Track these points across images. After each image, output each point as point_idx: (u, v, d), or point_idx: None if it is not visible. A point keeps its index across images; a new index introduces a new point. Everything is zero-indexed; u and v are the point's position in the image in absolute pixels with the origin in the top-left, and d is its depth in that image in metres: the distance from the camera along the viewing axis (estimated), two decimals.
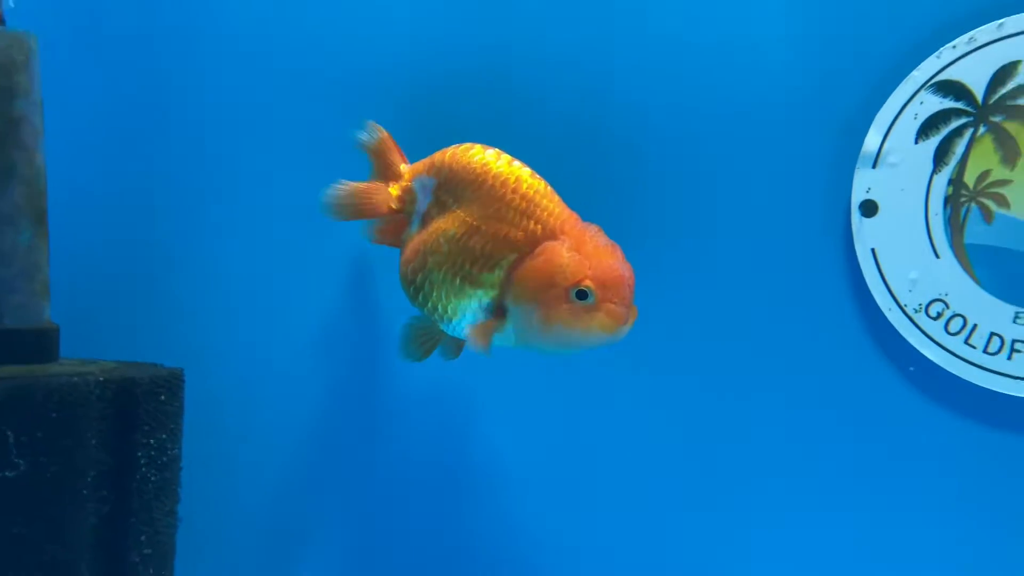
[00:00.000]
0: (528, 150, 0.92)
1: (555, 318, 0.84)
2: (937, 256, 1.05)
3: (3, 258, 0.84)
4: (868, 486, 1.07)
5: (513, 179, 0.89)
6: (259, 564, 1.07)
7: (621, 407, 1.07)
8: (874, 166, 1.05)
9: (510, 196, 0.88)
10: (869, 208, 1.06)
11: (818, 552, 1.07)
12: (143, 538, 0.83)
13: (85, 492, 0.78)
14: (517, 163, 0.91)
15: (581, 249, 0.85)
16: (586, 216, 0.89)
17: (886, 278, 1.06)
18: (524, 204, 0.88)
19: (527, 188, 0.89)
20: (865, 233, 1.06)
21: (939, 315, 1.06)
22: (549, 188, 0.89)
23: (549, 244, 0.86)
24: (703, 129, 1.06)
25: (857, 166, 1.05)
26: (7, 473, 0.74)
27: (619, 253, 0.85)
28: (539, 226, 0.87)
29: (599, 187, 1.05)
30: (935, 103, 1.04)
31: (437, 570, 1.07)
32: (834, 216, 1.06)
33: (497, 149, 0.91)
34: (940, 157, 1.05)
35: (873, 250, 1.06)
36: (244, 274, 1.05)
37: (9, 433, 0.74)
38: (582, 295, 0.83)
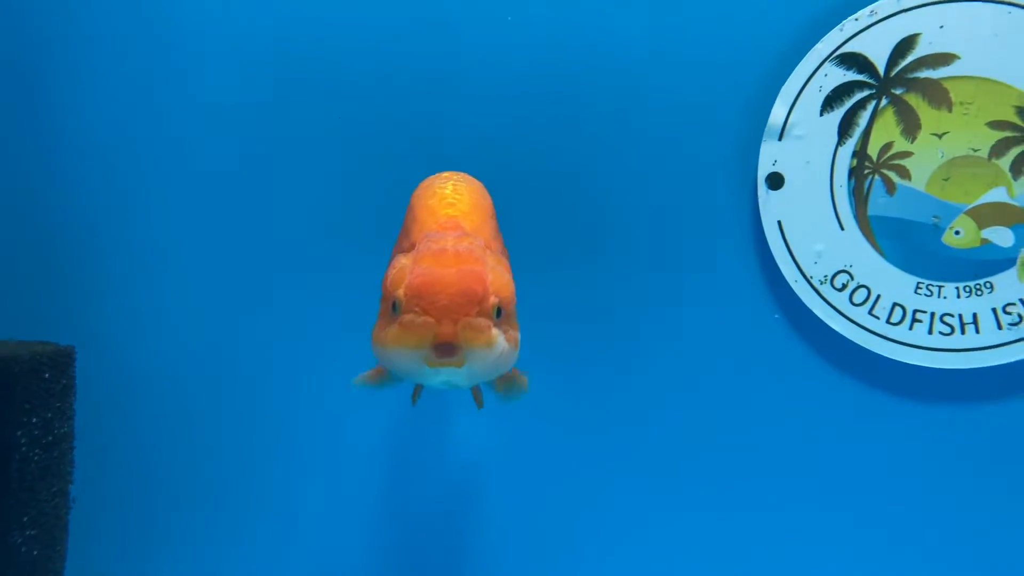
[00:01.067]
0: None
1: (375, 336, 0.73)
2: (842, 228, 1.06)
3: None
4: (777, 456, 1.08)
5: (431, 194, 0.79)
6: (165, 540, 1.05)
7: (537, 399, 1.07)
8: (780, 139, 1.06)
9: (418, 210, 0.79)
10: (775, 180, 1.06)
11: (731, 524, 1.08)
12: (26, 519, 0.81)
13: None
14: (455, 181, 0.81)
15: (416, 257, 0.72)
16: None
17: (792, 250, 1.06)
18: (422, 216, 0.78)
19: (434, 201, 0.78)
20: (771, 205, 1.06)
21: (844, 286, 1.06)
22: (466, 201, 0.78)
23: (397, 257, 0.76)
24: (613, 106, 1.05)
25: (763, 139, 1.05)
26: None
27: (448, 258, 0.70)
28: (412, 239, 0.76)
29: (514, 170, 1.05)
30: (839, 75, 1.05)
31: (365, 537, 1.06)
32: (741, 189, 1.07)
33: (463, 175, 0.82)
34: (844, 129, 1.06)
35: (779, 222, 1.06)
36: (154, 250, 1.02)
37: None
38: (395, 308, 0.71)
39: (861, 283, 1.06)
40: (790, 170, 1.06)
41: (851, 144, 1.06)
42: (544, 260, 1.03)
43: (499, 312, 0.70)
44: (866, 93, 1.05)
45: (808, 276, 1.07)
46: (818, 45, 1.05)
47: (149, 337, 1.04)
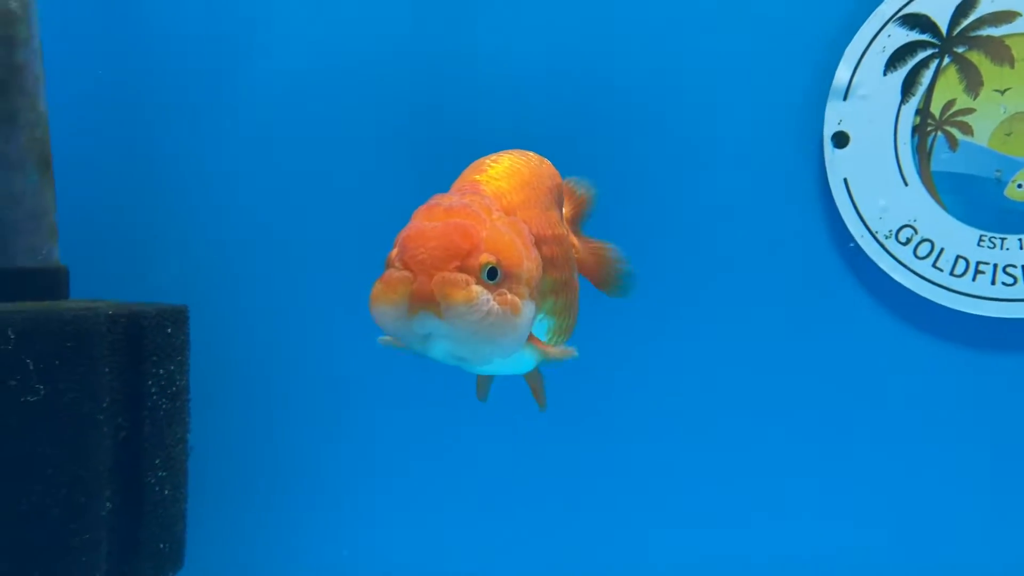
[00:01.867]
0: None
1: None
2: (906, 184, 1.10)
3: (11, 201, 0.89)
4: (843, 406, 1.12)
5: (474, 163, 0.77)
6: (264, 497, 1.12)
7: (624, 339, 1.12)
8: (844, 98, 1.10)
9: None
10: (841, 139, 1.10)
11: (793, 473, 1.13)
12: (157, 461, 0.89)
13: (101, 417, 0.83)
14: (508, 153, 0.79)
15: (413, 214, 0.69)
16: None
17: (857, 206, 1.11)
18: (454, 183, 0.75)
19: (470, 168, 0.76)
20: (837, 163, 1.10)
21: (908, 240, 1.10)
22: (501, 169, 0.75)
23: None
24: (683, 70, 1.10)
25: (828, 99, 1.10)
26: (29, 398, 0.79)
27: (438, 213, 0.66)
28: None
29: (580, 139, 1.10)
30: (902, 36, 1.08)
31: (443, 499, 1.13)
32: (807, 148, 1.11)
33: (523, 151, 0.80)
34: (907, 88, 1.09)
35: (845, 179, 1.10)
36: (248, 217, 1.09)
37: (28, 361, 0.79)
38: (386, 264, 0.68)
39: (925, 237, 1.10)
40: (855, 129, 1.10)
41: (914, 102, 1.09)
42: (618, 219, 1.08)
43: (494, 273, 0.65)
44: (929, 52, 1.09)
45: (873, 231, 1.11)
46: (881, 6, 1.08)
47: (244, 305, 1.11)
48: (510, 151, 0.78)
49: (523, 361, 0.75)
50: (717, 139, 1.11)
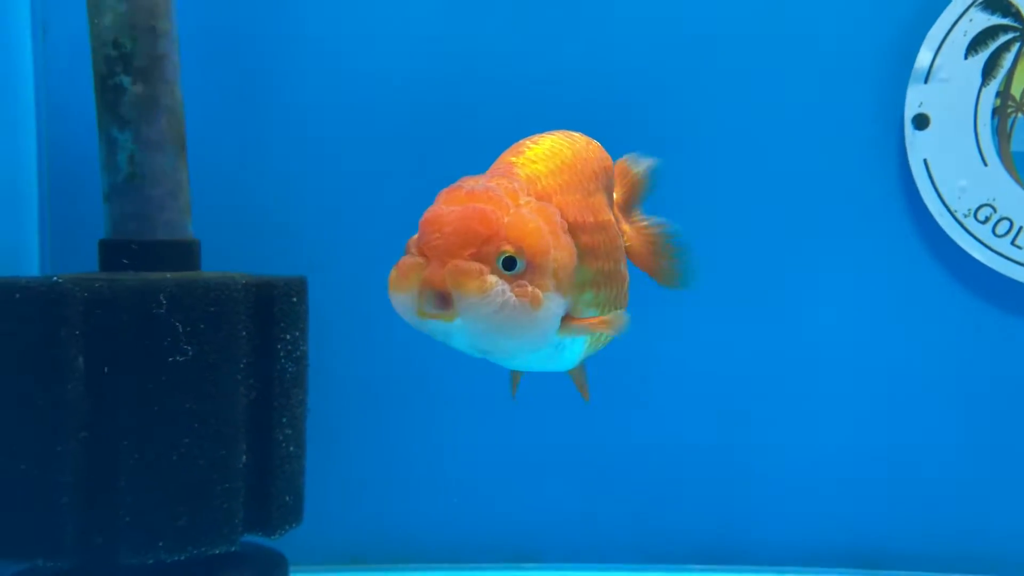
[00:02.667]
0: None
1: None
2: (985, 164, 1.14)
3: (154, 179, 0.97)
4: (922, 383, 1.17)
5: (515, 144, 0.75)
6: (371, 456, 1.19)
7: (703, 319, 1.17)
8: (926, 81, 1.14)
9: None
10: (921, 121, 1.14)
11: (869, 442, 1.17)
12: (284, 420, 0.96)
13: (239, 377, 0.91)
14: (552, 134, 0.76)
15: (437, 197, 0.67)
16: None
17: (937, 186, 1.15)
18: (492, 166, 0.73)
19: (509, 150, 0.73)
20: (917, 145, 1.14)
21: (987, 219, 1.14)
22: (541, 151, 0.72)
23: None
24: (765, 53, 1.15)
25: (910, 82, 1.14)
26: (178, 357, 0.87)
27: (458, 196, 0.64)
28: None
29: (662, 122, 1.15)
30: (983, 20, 1.12)
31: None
32: (888, 130, 1.15)
33: (571, 132, 0.78)
34: (988, 71, 1.13)
35: (925, 160, 1.14)
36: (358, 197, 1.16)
37: (177, 324, 0.87)
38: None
39: (1004, 215, 1.14)
40: (935, 111, 1.14)
41: (995, 85, 1.13)
42: (702, 195, 1.13)
43: (513, 262, 0.62)
44: (1010, 36, 1.12)
45: (952, 210, 1.15)
46: None
47: (345, 278, 1.18)
48: (555, 132, 0.75)
49: (565, 358, 0.72)
50: (800, 120, 1.15)
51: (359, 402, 1.15)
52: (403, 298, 0.61)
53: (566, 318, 0.66)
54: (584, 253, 0.68)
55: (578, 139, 0.75)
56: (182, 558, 0.90)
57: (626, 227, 0.82)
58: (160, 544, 0.88)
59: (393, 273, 0.62)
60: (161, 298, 0.87)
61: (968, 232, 1.15)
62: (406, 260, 0.62)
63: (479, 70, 1.13)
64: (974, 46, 1.13)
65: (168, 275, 0.92)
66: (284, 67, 1.12)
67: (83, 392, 0.87)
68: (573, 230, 0.68)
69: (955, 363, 1.16)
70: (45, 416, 0.86)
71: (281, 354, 0.96)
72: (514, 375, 0.82)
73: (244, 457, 0.92)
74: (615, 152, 0.83)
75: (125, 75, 0.95)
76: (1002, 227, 1.14)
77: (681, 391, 1.16)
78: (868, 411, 1.17)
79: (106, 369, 0.87)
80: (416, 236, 0.63)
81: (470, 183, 0.64)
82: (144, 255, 0.96)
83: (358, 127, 1.13)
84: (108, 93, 0.96)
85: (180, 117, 0.99)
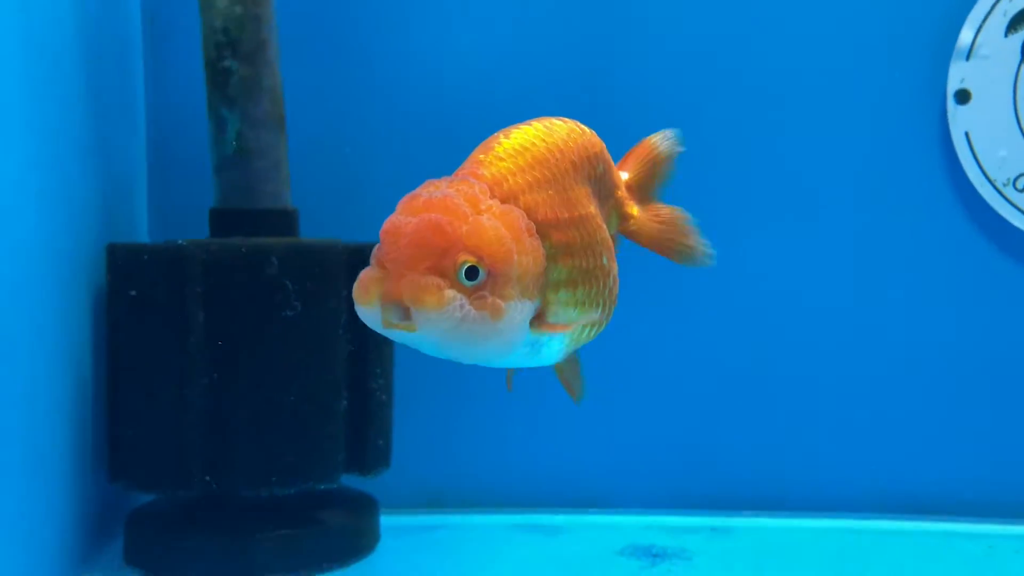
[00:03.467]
0: None
1: None
2: None
3: (258, 153, 1.06)
4: (960, 347, 1.24)
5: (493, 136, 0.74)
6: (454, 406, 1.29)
7: (751, 288, 1.26)
8: (967, 59, 1.21)
9: None
10: (963, 96, 1.22)
11: (918, 419, 1.25)
12: (378, 371, 1.06)
13: (340, 332, 1.01)
14: (536, 122, 0.74)
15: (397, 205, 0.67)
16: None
17: (978, 157, 1.22)
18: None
19: (483, 144, 0.72)
20: (959, 118, 1.22)
21: None
22: (513, 145, 0.71)
23: None
24: (815, 32, 1.22)
25: (952, 59, 1.21)
26: (288, 312, 0.97)
27: (415, 206, 0.63)
28: None
29: (717, 78, 1.23)
30: (1022, 1, 1.19)
31: None
32: (932, 105, 1.23)
33: (558, 119, 0.77)
34: None
35: (967, 133, 1.22)
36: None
37: (288, 282, 0.97)
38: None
39: None
40: (976, 86, 1.21)
41: None
42: (767, 159, 1.21)
43: (474, 272, 0.61)
44: None
45: (992, 179, 1.22)
46: None
47: None
48: (534, 120, 0.74)
49: (544, 356, 0.72)
50: (847, 96, 1.23)
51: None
52: (366, 310, 0.62)
53: (538, 319, 0.67)
54: (557, 252, 0.68)
55: (557, 129, 0.74)
56: (291, 492, 1.01)
57: (633, 210, 0.82)
58: (272, 479, 0.99)
59: (356, 285, 0.62)
60: (273, 259, 0.97)
61: (1007, 200, 1.22)
62: (367, 272, 0.62)
63: (568, 57, 1.22)
64: (1013, 25, 1.20)
65: (274, 240, 1.02)
66: (372, 48, 1.21)
67: (204, 344, 0.97)
68: (544, 229, 0.67)
69: (991, 323, 1.23)
70: (173, 365, 0.97)
71: None
72: (508, 370, 0.81)
73: (345, 403, 1.03)
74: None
75: (233, 59, 1.05)
76: None
77: (743, 346, 1.25)
78: (922, 367, 1.24)
79: (224, 323, 0.97)
80: (378, 246, 0.63)
81: (429, 190, 0.64)
82: (250, 222, 1.06)
83: (444, 101, 1.22)
84: (217, 76, 1.06)
85: (280, 97, 1.08)
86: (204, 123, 1.09)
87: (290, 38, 1.12)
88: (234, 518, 1.03)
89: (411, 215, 0.62)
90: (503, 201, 0.65)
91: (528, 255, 0.65)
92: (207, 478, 0.98)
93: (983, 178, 1.22)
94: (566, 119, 0.75)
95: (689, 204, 1.21)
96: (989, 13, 1.20)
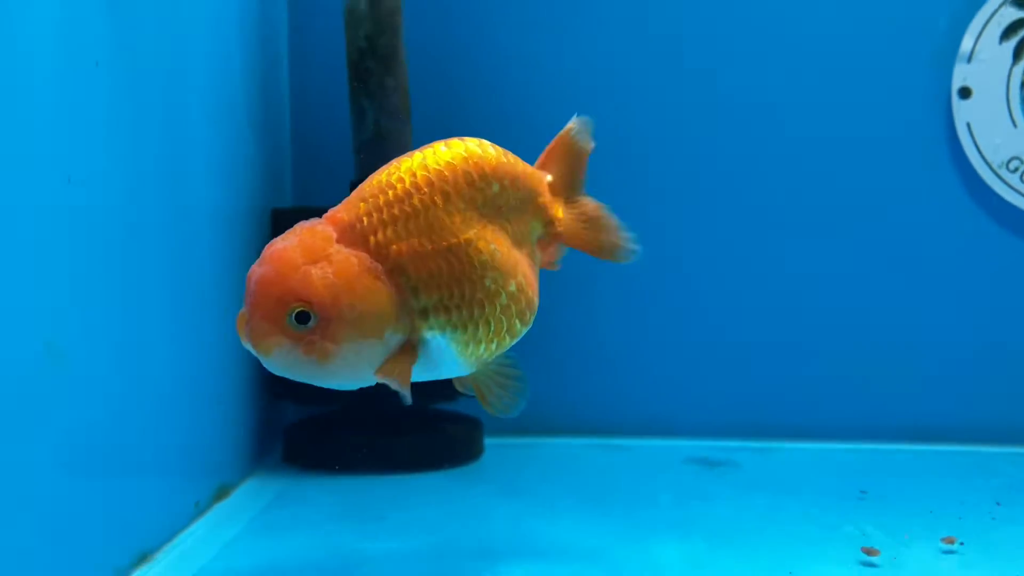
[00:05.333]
0: None
1: None
2: (1015, 126, 1.45)
3: (391, 139, 1.33)
4: (967, 292, 1.48)
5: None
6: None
7: (763, 272, 1.50)
8: (969, 61, 1.45)
9: None
10: (965, 92, 1.46)
11: (923, 360, 1.49)
12: None
13: None
14: (429, 150, 0.79)
15: None
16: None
17: (978, 144, 1.46)
18: None
19: (364, 183, 0.78)
20: (962, 111, 1.46)
21: (1016, 169, 1.45)
22: (383, 180, 0.75)
23: None
24: (842, 37, 1.47)
25: (956, 61, 1.45)
26: None
27: (265, 255, 0.71)
28: None
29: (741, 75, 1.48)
30: (1012, 14, 1.44)
31: None
32: (938, 100, 1.47)
33: (456, 143, 0.80)
34: (1018, 53, 1.44)
35: (968, 124, 1.46)
36: None
37: None
38: None
39: None
40: (976, 84, 1.45)
41: (1023, 64, 1.44)
42: (793, 148, 1.46)
43: (306, 318, 0.68)
44: None
45: (989, 162, 1.46)
46: None
47: None
48: (425, 147, 0.78)
49: (445, 371, 0.79)
50: (864, 93, 1.48)
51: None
52: (242, 340, 0.72)
53: (408, 349, 0.73)
54: (418, 284, 0.73)
55: (436, 157, 0.77)
56: (423, 406, 1.26)
57: (558, 213, 0.86)
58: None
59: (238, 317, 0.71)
60: None
61: (1001, 180, 1.46)
62: (241, 311, 0.71)
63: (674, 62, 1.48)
64: (1006, 34, 1.44)
65: None
66: (482, 51, 1.47)
67: None
68: (400, 265, 0.72)
69: (988, 281, 1.48)
70: None
71: None
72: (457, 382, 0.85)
73: None
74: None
75: (372, 61, 1.31)
76: None
77: (783, 305, 1.49)
78: (933, 318, 1.47)
79: None
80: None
81: (279, 242, 0.71)
82: None
83: (544, 96, 1.48)
84: (359, 75, 1.32)
85: (407, 92, 1.34)
86: (337, 113, 1.36)
87: (414, 44, 1.38)
88: (373, 426, 1.30)
89: (260, 264, 0.70)
90: (354, 243, 0.71)
91: (365, 297, 0.70)
92: (349, 393, 1.24)
93: (982, 161, 1.46)
94: (462, 140, 0.78)
95: (732, 187, 1.48)
96: (986, 24, 1.44)
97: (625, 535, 1.03)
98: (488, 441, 1.39)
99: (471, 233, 0.75)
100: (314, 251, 0.70)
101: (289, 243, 0.70)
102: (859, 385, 1.49)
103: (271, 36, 1.41)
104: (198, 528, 1.03)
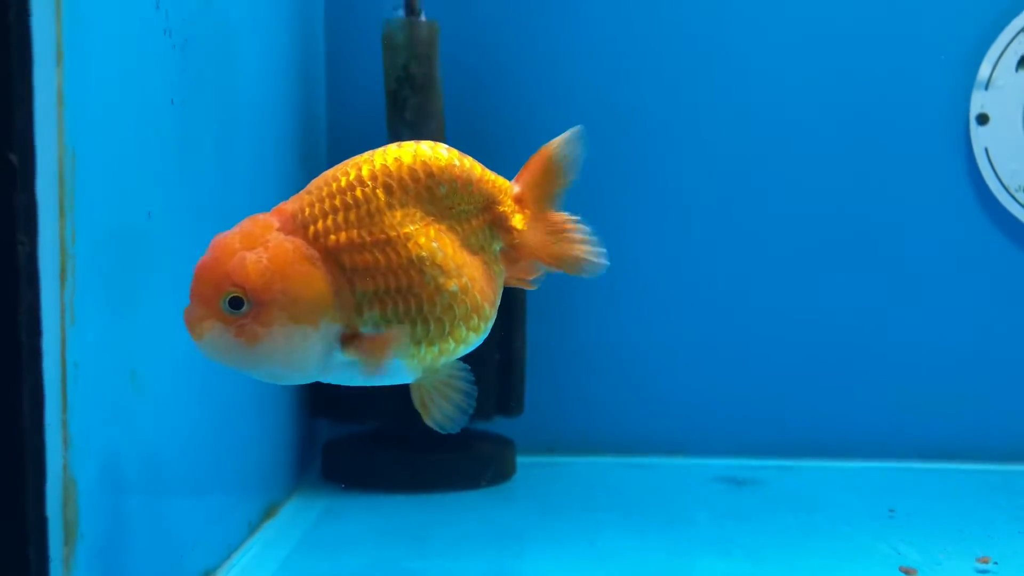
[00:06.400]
0: None
1: None
2: None
3: None
4: (975, 321, 1.52)
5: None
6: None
7: (780, 291, 1.54)
8: (986, 89, 1.49)
9: None
10: (983, 119, 1.50)
11: (938, 379, 1.53)
12: (517, 332, 1.35)
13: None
14: (384, 153, 0.77)
15: None
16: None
17: (995, 168, 1.50)
18: None
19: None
20: (980, 137, 1.50)
21: None
22: (328, 173, 0.76)
23: None
24: (869, 68, 1.51)
25: (974, 89, 1.49)
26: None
27: (209, 245, 0.71)
28: None
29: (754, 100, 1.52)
30: None
31: None
32: (957, 126, 1.51)
33: (407, 148, 0.78)
34: None
35: (986, 149, 1.50)
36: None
37: None
38: None
39: None
40: (994, 111, 1.49)
41: None
42: (816, 169, 1.50)
43: (239, 303, 0.69)
44: None
45: (1007, 186, 1.50)
46: (1014, 21, 1.48)
47: None
48: (387, 147, 0.77)
49: (392, 376, 0.76)
50: (885, 120, 1.52)
51: (554, 316, 1.54)
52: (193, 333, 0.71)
53: (353, 339, 0.72)
54: (354, 274, 0.72)
55: (384, 155, 0.76)
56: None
57: (517, 224, 0.81)
58: None
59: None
60: None
61: (1018, 203, 1.50)
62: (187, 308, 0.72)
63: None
64: (1022, 62, 1.48)
65: None
66: (515, 77, 1.51)
67: None
68: (337, 254, 0.72)
69: (1005, 299, 1.51)
70: None
71: (524, 303, 1.35)
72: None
73: (497, 356, 1.32)
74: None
75: (410, 90, 1.35)
76: None
77: (804, 328, 1.52)
78: (953, 337, 1.51)
79: None
80: None
81: (222, 234, 0.72)
82: None
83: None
84: (397, 103, 1.36)
85: (442, 120, 1.38)
86: (375, 141, 1.39)
87: (449, 70, 1.42)
88: (408, 446, 1.33)
89: (206, 253, 0.71)
90: (295, 231, 0.72)
91: (299, 282, 0.70)
92: (389, 413, 1.27)
93: (999, 185, 1.50)
94: (416, 143, 0.78)
95: (760, 212, 1.52)
96: (1003, 53, 1.48)
97: (667, 553, 1.06)
98: (520, 459, 1.42)
99: (411, 228, 0.74)
100: (252, 238, 0.71)
101: (231, 232, 0.72)
102: (879, 405, 1.53)
103: (310, 67, 1.45)
104: (252, 546, 1.06)
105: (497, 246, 0.81)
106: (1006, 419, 1.51)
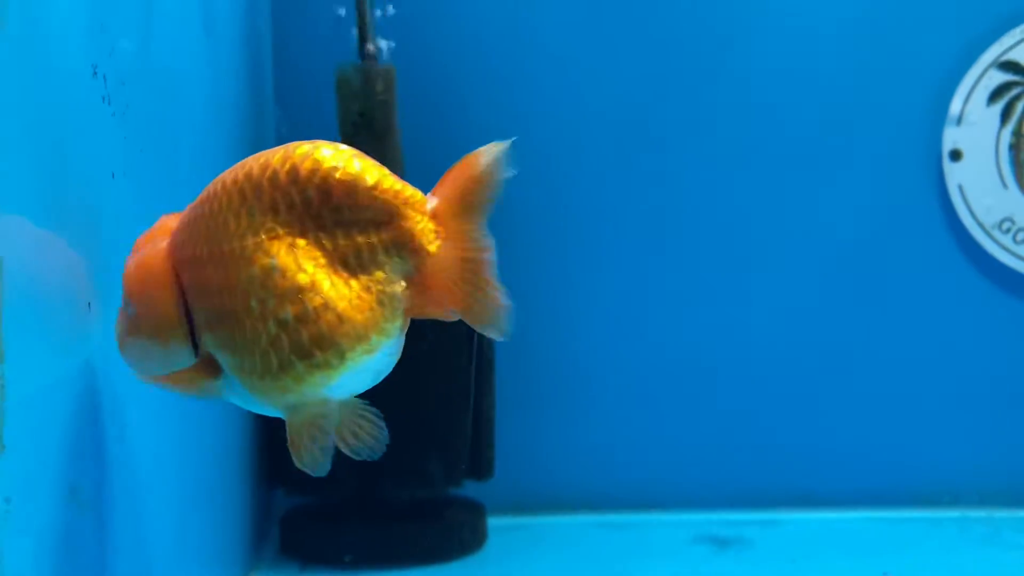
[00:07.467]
0: None
1: None
2: (1005, 187, 1.46)
3: None
4: (961, 349, 1.49)
5: None
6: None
7: (766, 314, 1.49)
8: (958, 124, 1.46)
9: None
10: (955, 155, 1.46)
11: (921, 424, 1.49)
12: (487, 391, 1.28)
13: (466, 361, 1.23)
14: (281, 155, 0.63)
15: None
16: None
17: (969, 205, 1.47)
18: None
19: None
20: (953, 173, 1.47)
21: (1008, 230, 1.46)
22: (225, 187, 0.63)
23: None
24: (840, 100, 1.47)
25: (946, 125, 1.46)
26: (421, 344, 1.18)
27: (138, 242, 0.66)
28: None
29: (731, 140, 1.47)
30: (999, 77, 1.45)
31: None
32: (930, 162, 1.48)
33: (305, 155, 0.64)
34: (1005, 116, 1.45)
35: (960, 185, 1.46)
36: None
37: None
38: None
39: (1021, 227, 1.46)
40: (966, 147, 1.46)
41: (1011, 126, 1.45)
42: (790, 203, 1.46)
43: (127, 305, 0.64)
44: (1020, 90, 1.45)
45: (981, 223, 1.47)
46: (983, 56, 1.45)
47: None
48: (286, 145, 0.64)
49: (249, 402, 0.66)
50: (860, 156, 1.48)
51: (528, 373, 1.47)
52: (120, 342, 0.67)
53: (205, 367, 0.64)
54: (192, 291, 0.63)
55: (275, 152, 0.63)
56: (426, 494, 1.21)
57: (430, 246, 0.64)
58: (414, 483, 1.20)
59: None
60: None
61: (994, 240, 1.47)
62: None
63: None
64: (994, 97, 1.45)
65: None
66: (477, 119, 1.44)
67: None
68: (181, 267, 0.63)
69: (982, 337, 1.49)
70: None
71: (484, 344, 1.28)
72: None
73: (469, 419, 1.24)
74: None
75: (367, 136, 1.27)
76: (1020, 236, 1.46)
77: (781, 373, 1.48)
78: (929, 377, 1.48)
79: None
80: None
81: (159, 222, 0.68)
82: None
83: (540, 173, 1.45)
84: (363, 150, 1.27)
85: (402, 167, 1.30)
86: None
87: (408, 111, 1.34)
88: (372, 516, 1.25)
89: (130, 256, 0.67)
90: (161, 237, 0.66)
91: (150, 294, 0.63)
92: (357, 482, 1.19)
93: (974, 222, 1.47)
94: (314, 142, 0.65)
95: (729, 255, 1.47)
96: (974, 88, 1.45)
97: None
98: (491, 521, 1.34)
99: (249, 241, 0.62)
100: (144, 239, 0.65)
101: (145, 234, 0.66)
102: (862, 450, 1.48)
103: (261, 119, 1.36)
104: None
105: (398, 269, 0.64)
106: (988, 463, 1.48)
